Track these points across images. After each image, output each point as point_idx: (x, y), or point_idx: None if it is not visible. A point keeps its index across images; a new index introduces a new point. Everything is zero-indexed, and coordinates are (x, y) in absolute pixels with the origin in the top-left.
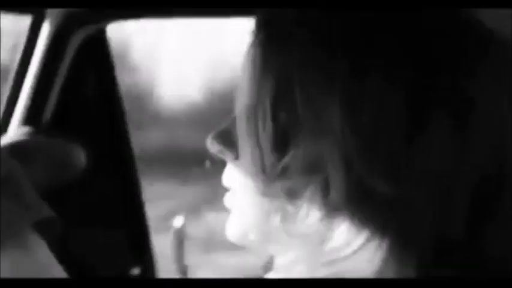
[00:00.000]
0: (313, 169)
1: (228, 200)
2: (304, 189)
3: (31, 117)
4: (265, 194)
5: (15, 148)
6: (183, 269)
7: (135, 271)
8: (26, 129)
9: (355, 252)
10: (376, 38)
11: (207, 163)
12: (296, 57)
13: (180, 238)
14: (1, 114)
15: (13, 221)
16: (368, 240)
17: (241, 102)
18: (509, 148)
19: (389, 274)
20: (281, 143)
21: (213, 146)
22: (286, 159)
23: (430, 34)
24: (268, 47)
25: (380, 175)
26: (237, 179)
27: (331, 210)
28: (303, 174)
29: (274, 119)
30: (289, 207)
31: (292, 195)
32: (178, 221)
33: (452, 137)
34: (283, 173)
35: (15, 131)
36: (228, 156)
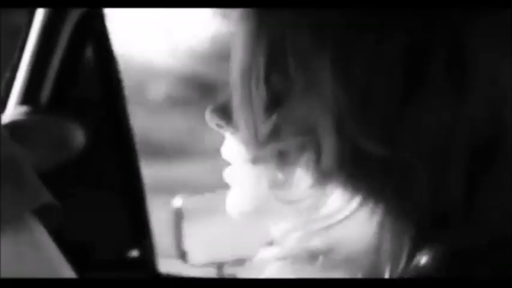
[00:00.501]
0: (304, 130)
1: (227, 174)
2: (296, 153)
3: (29, 96)
4: (256, 158)
5: (12, 128)
6: (182, 252)
7: (134, 253)
8: (23, 108)
9: (348, 217)
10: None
11: None
12: (288, 21)
13: (179, 219)
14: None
15: (14, 207)
16: (362, 205)
17: (236, 69)
18: (507, 108)
19: (386, 239)
20: (273, 105)
21: (211, 120)
22: (277, 118)
23: None
24: (262, 12)
25: (373, 136)
26: (235, 153)
27: (324, 175)
28: (294, 135)
29: (267, 81)
30: (281, 174)
31: (284, 159)
32: (177, 202)
33: (448, 97)
34: (275, 135)
35: (13, 110)
36: (226, 130)
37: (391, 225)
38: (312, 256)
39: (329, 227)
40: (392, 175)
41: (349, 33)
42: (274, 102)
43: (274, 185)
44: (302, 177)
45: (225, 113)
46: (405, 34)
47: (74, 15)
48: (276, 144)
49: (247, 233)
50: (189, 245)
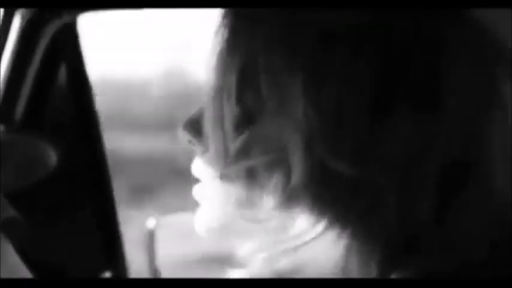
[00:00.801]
0: (274, 149)
1: (196, 191)
2: (264, 172)
3: (2, 114)
4: (224, 176)
5: None
6: (155, 272)
7: (107, 274)
8: None
9: (315, 239)
10: (341, 21)
11: None
12: (261, 39)
13: (152, 240)
14: None
15: None
16: (329, 227)
17: (208, 85)
18: (478, 129)
19: (353, 262)
20: (244, 123)
21: (183, 136)
22: (247, 136)
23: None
24: (235, 30)
25: (343, 156)
26: (204, 170)
27: (292, 195)
28: (264, 154)
29: (239, 99)
30: (248, 193)
31: (252, 177)
32: (150, 223)
33: (419, 122)
34: (244, 153)
35: None
36: (197, 146)
37: (359, 249)
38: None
39: (296, 248)
40: (361, 196)
41: (320, 55)
42: (246, 120)
43: (241, 203)
44: (270, 197)
45: (196, 129)
46: (376, 57)
47: (48, 32)
48: (245, 162)
49: (218, 253)
50: (161, 264)
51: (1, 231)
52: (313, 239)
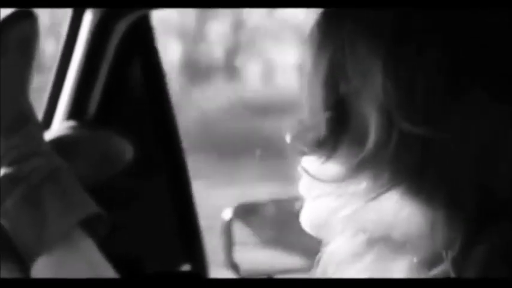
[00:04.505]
0: (356, 124)
1: (304, 188)
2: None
3: (75, 110)
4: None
5: (59, 143)
6: (233, 265)
7: (186, 268)
8: (70, 123)
9: (392, 197)
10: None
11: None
12: (347, 31)
13: (229, 232)
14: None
15: (60, 220)
16: (406, 183)
17: (303, 79)
18: None
19: (439, 223)
20: (334, 104)
21: (293, 148)
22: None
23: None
24: (325, 26)
25: (417, 121)
26: (314, 167)
27: (369, 158)
28: (349, 131)
29: (330, 84)
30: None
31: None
32: (226, 214)
33: (492, 109)
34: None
35: (60, 125)
36: (316, 153)
37: (443, 209)
38: (369, 245)
39: (376, 207)
40: (435, 155)
41: (396, 44)
42: (335, 102)
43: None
44: (347, 161)
45: (308, 137)
46: (451, 45)
47: (120, 27)
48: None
49: (297, 245)
50: (239, 256)
51: (85, 229)
52: (390, 197)
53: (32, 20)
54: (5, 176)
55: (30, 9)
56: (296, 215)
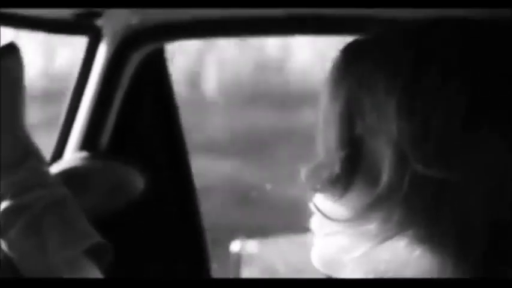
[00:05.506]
0: (371, 164)
1: (315, 225)
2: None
3: (88, 141)
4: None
5: (70, 173)
6: None
7: None
8: (82, 153)
9: (403, 239)
10: (431, 48)
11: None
12: (364, 72)
13: (238, 263)
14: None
15: (65, 246)
16: (416, 226)
17: (320, 118)
18: None
19: (449, 262)
20: (349, 143)
21: (308, 185)
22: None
23: (488, 45)
24: (342, 67)
25: (432, 163)
26: (327, 205)
27: (382, 199)
28: (364, 171)
29: (346, 123)
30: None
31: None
32: (235, 246)
33: (507, 138)
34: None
35: (72, 155)
36: (329, 190)
37: (454, 250)
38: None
39: (387, 248)
40: (448, 197)
41: (413, 83)
42: (351, 140)
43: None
44: (358, 201)
45: (321, 175)
46: (466, 81)
47: (135, 58)
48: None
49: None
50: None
51: (89, 257)
52: (402, 238)
53: (14, 53)
54: (8, 208)
55: (11, 43)
56: None
